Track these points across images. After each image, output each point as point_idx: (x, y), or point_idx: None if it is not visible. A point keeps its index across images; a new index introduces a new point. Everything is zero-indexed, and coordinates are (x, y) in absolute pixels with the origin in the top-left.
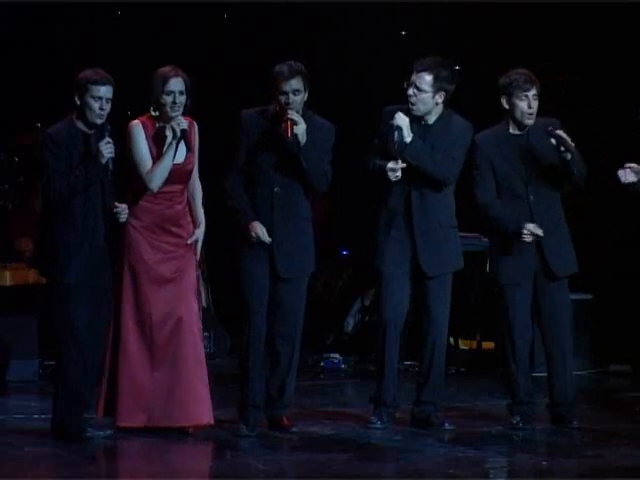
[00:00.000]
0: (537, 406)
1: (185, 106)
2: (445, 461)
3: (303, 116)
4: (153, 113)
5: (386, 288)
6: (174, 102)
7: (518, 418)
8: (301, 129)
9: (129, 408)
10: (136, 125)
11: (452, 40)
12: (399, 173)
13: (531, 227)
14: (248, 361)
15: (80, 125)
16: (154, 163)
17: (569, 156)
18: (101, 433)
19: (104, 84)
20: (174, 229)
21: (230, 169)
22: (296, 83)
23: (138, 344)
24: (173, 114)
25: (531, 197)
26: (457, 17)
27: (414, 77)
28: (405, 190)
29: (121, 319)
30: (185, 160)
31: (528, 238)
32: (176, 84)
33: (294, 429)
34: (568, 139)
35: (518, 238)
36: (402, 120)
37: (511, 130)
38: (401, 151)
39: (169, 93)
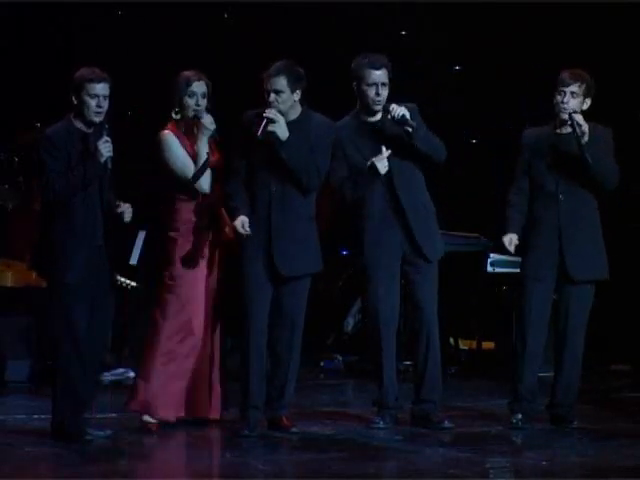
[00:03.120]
0: (538, 405)
1: (206, 109)
2: (445, 461)
3: (301, 114)
4: (175, 116)
5: (376, 291)
6: (197, 104)
7: (519, 416)
8: (279, 127)
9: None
10: (168, 134)
11: (452, 40)
12: (387, 163)
13: (505, 240)
14: (248, 362)
15: (78, 124)
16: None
17: (583, 140)
18: (101, 433)
19: (100, 82)
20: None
21: (230, 171)
22: (277, 82)
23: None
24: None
25: (560, 196)
26: (457, 17)
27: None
28: (387, 186)
29: (162, 321)
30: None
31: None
32: (199, 87)
33: (294, 429)
34: (584, 125)
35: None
36: (401, 109)
37: (557, 129)
38: (411, 138)
39: (192, 95)
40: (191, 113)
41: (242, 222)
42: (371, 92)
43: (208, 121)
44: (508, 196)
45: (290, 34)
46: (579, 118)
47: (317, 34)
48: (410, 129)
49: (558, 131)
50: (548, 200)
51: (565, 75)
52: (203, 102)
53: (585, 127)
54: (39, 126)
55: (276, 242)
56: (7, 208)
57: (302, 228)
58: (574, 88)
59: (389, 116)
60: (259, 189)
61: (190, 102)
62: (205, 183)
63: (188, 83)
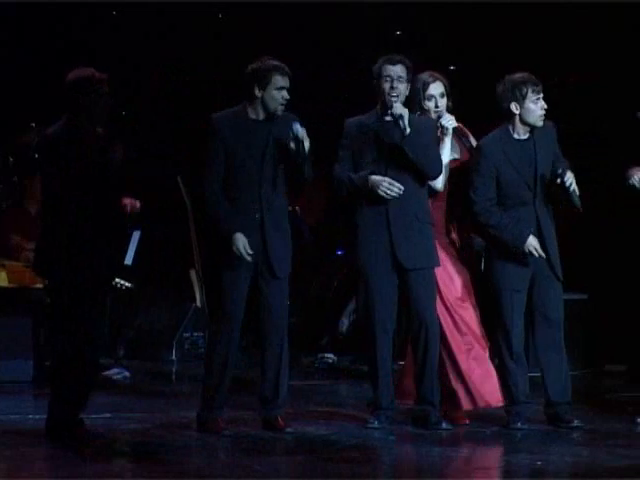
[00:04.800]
0: (533, 405)
1: (447, 107)
2: (442, 461)
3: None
4: None
5: (372, 290)
6: (436, 106)
7: (517, 419)
8: (308, 166)
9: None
10: None
11: (452, 40)
12: (396, 190)
13: (534, 243)
14: (214, 364)
15: (84, 124)
16: None
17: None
18: (97, 433)
19: (107, 81)
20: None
21: (207, 175)
22: (288, 81)
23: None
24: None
25: (537, 203)
26: (457, 17)
27: (391, 71)
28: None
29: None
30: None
31: (535, 253)
32: (436, 88)
33: (289, 429)
34: (576, 188)
35: (519, 252)
36: (402, 109)
37: (515, 135)
38: (401, 141)
39: (430, 98)
40: (433, 115)
41: (244, 245)
42: (387, 86)
43: (447, 120)
44: (480, 204)
45: (289, 34)
46: (574, 187)
47: (317, 34)
48: (403, 129)
49: (516, 136)
50: (524, 209)
51: (531, 82)
52: (442, 102)
53: (575, 187)
54: (35, 126)
55: (270, 245)
56: (1, 207)
57: (286, 228)
58: (541, 90)
59: (389, 112)
60: (247, 191)
61: (430, 105)
62: (439, 182)
63: (425, 87)
